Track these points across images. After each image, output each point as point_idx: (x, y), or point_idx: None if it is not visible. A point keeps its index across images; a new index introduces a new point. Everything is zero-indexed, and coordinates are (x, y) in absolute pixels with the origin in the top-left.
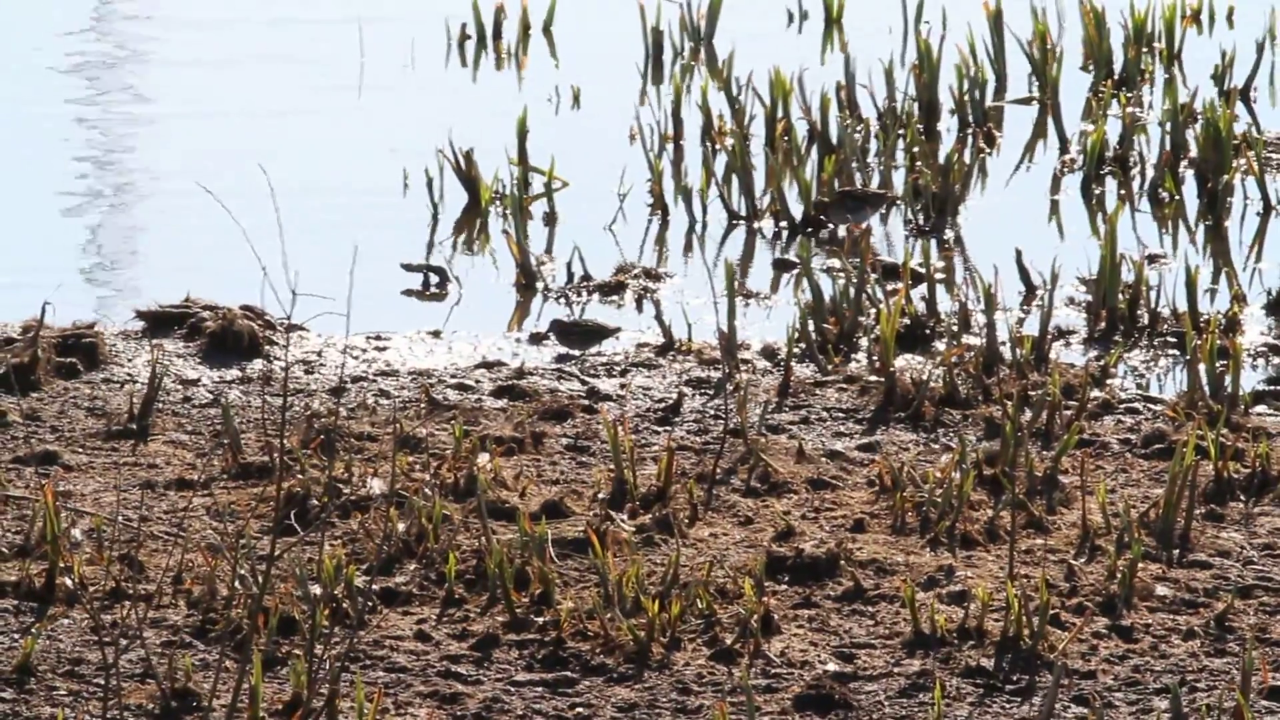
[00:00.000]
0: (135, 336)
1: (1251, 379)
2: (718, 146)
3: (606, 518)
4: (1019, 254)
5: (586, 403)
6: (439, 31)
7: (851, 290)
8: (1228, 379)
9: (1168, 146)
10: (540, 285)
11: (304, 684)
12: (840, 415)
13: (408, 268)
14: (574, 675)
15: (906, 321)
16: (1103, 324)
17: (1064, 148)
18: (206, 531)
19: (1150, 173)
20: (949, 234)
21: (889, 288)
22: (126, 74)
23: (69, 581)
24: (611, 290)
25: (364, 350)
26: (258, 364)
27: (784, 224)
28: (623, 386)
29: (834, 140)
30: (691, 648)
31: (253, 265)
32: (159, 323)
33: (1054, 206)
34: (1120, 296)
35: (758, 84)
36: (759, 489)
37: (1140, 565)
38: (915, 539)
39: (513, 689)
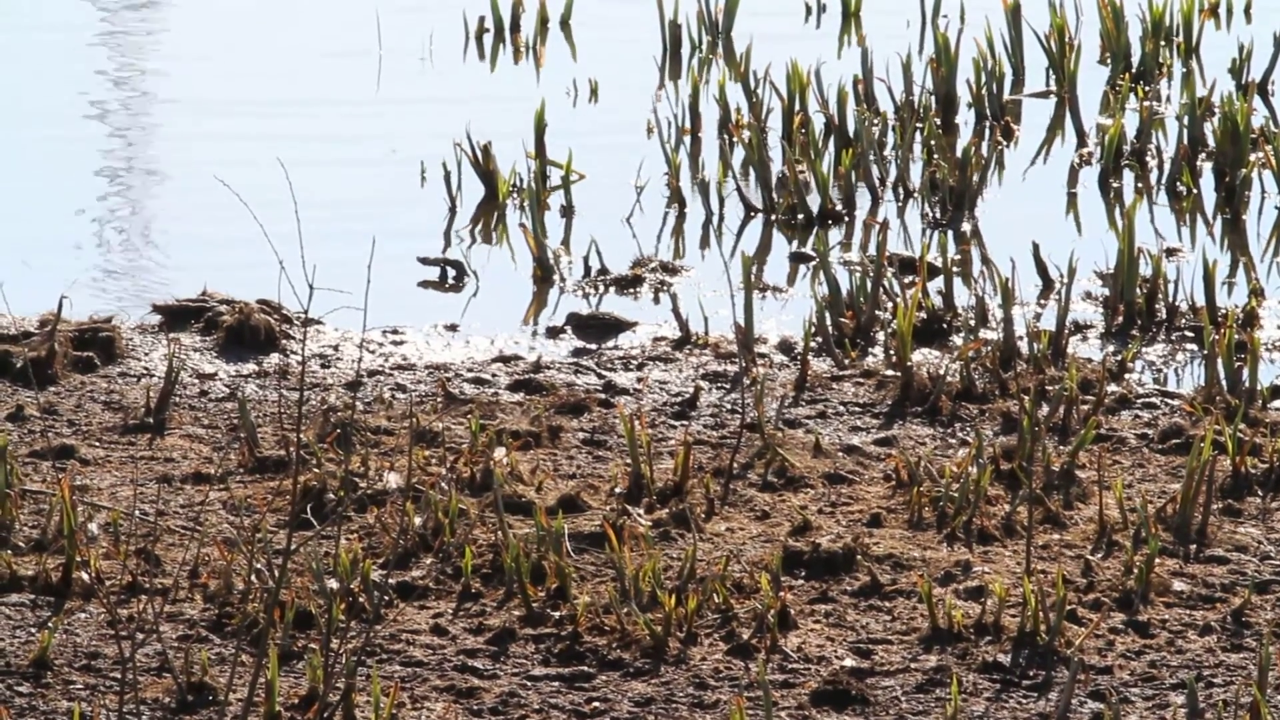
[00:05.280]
0: (152, 331)
1: (1269, 373)
2: (735, 140)
3: (623, 512)
4: (1036, 248)
5: (603, 397)
6: (457, 24)
7: (868, 284)
8: (1245, 373)
9: (1185, 140)
10: (557, 278)
11: (320, 678)
12: (857, 409)
13: (425, 261)
14: (590, 670)
15: (923, 316)
16: (1120, 318)
17: (1081, 141)
18: (223, 526)
19: (1168, 166)
20: (966, 228)
21: (906, 281)
22: (143, 67)
23: (86, 575)
24: (628, 284)
25: (380, 344)
26: (274, 358)
27: (801, 217)
28: (639, 380)
29: (851, 134)
30: (708, 643)
31: (270, 259)
32: (176, 317)
33: (1071, 200)
34: (1138, 291)
35: (775, 77)
36: (775, 483)
37: (1157, 560)
38: (932, 534)
39: (529, 683)
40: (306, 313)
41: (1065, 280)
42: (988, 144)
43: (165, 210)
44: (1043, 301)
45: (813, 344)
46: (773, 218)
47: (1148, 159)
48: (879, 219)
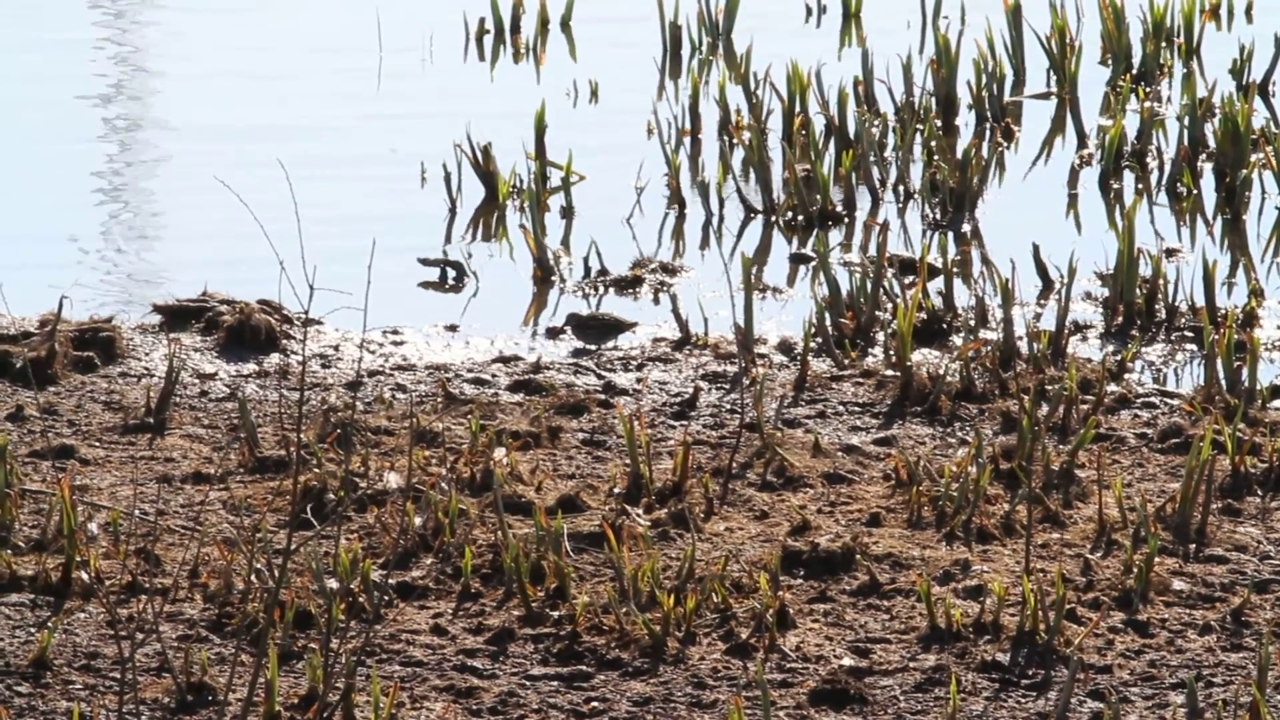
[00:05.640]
0: (152, 331)
1: (1269, 373)
2: (735, 141)
3: (622, 512)
4: (1036, 248)
5: (603, 397)
6: (457, 25)
7: (868, 285)
8: (1245, 373)
9: (1186, 141)
10: (557, 279)
11: (320, 678)
12: (856, 409)
13: (425, 262)
14: (589, 669)
15: (923, 316)
16: (1120, 318)
17: (1082, 142)
18: (223, 525)
19: (1168, 167)
20: (966, 228)
21: (906, 282)
22: (144, 68)
23: (85, 575)
24: (628, 284)
25: (381, 344)
26: (275, 358)
27: (801, 218)
28: (639, 381)
29: (851, 135)
30: (707, 642)
31: (270, 259)
32: (176, 317)
33: (1072, 201)
34: (1137, 291)
35: (775, 79)
36: (775, 483)
37: (1156, 560)
38: (931, 533)
39: (528, 683)
40: (307, 313)
41: (1065, 280)
42: (988, 145)
43: (166, 212)
44: (1042, 302)
45: (812, 344)
46: (773, 219)
47: (1148, 160)
48: (879, 220)
